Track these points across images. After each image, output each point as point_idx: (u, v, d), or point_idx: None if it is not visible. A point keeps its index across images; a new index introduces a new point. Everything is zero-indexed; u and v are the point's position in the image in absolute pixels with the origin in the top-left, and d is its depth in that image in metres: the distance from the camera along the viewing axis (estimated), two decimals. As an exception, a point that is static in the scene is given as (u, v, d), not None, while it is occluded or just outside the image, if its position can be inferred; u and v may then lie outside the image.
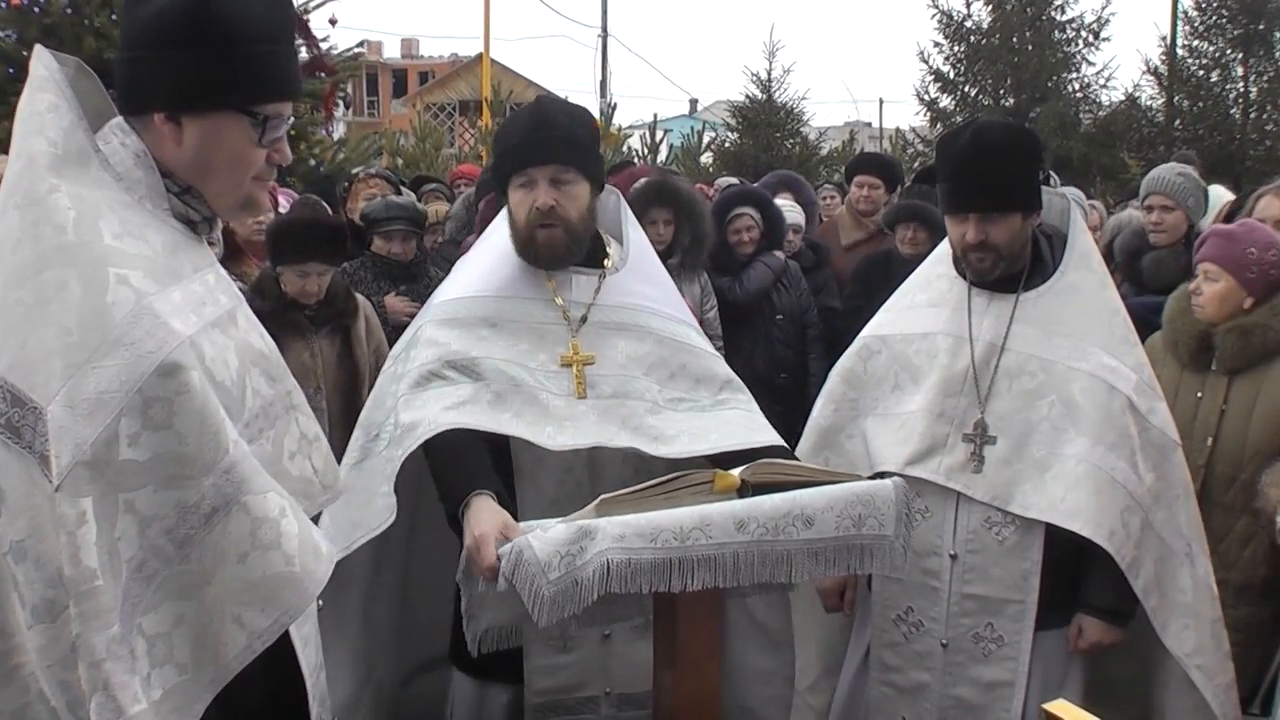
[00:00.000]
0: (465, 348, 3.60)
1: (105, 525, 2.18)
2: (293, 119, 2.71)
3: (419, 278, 6.92)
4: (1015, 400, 3.75)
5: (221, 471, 2.31)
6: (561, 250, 3.68)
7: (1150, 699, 4.01)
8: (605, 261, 3.83)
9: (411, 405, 3.54)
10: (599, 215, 3.88)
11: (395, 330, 6.30)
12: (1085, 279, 3.86)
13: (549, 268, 3.73)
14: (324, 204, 8.62)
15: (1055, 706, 2.12)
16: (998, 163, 3.69)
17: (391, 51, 65.69)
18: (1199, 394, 4.65)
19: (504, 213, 3.84)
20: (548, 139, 3.61)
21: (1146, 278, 6.50)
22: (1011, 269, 3.81)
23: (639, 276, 3.90)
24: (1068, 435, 3.67)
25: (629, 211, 4.07)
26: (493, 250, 3.86)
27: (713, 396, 3.78)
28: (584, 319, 3.71)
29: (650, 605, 3.37)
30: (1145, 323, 4.92)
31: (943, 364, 3.85)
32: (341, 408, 5.80)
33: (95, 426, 2.17)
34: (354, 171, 9.19)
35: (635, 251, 3.94)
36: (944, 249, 4.04)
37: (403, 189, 9.19)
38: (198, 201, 2.54)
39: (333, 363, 5.90)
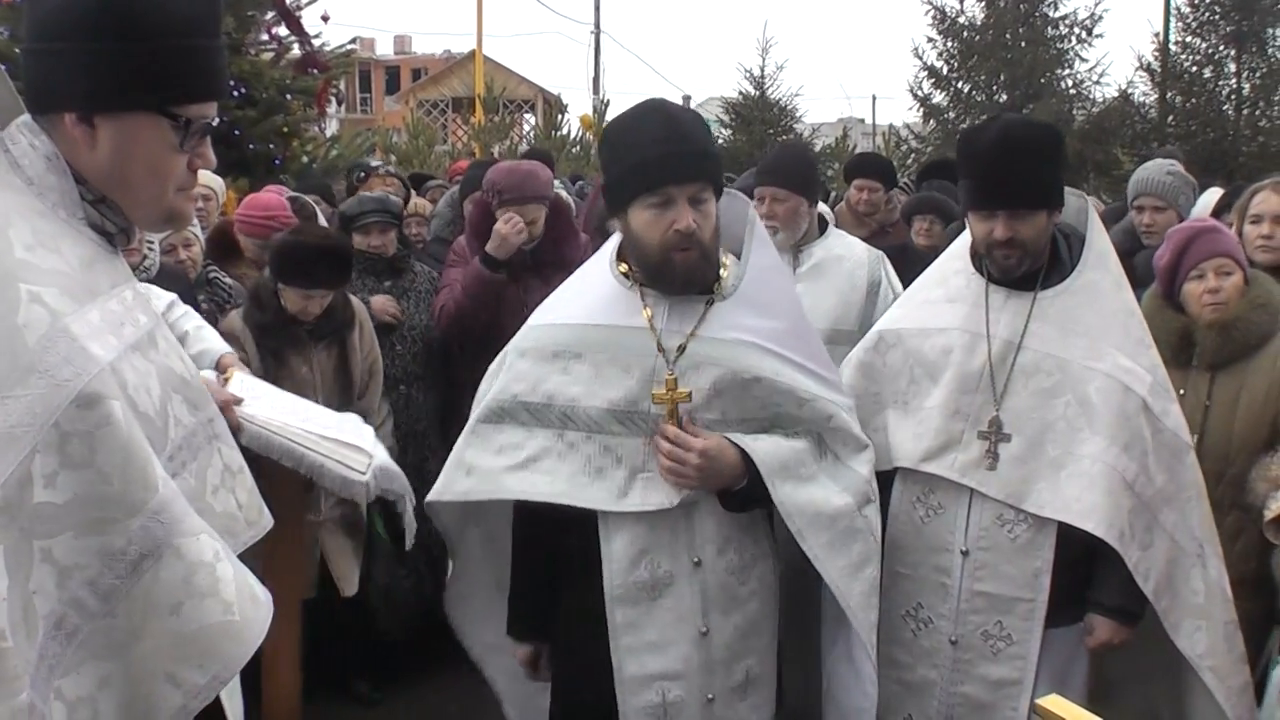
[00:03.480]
0: (543, 384, 3.46)
1: (19, 577, 1.92)
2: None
3: (403, 272, 6.84)
4: (1031, 399, 3.74)
5: (150, 513, 2.07)
6: (698, 275, 3.41)
7: (1160, 702, 4.02)
8: (715, 285, 3.51)
9: (474, 443, 3.58)
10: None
11: (380, 330, 6.37)
12: (1102, 279, 3.87)
13: (680, 293, 3.45)
14: (323, 201, 8.64)
15: (1048, 701, 2.12)
16: (1027, 161, 3.69)
17: (385, 48, 65.60)
18: (1181, 391, 4.63)
19: (613, 234, 3.64)
20: (688, 154, 3.33)
21: (1140, 275, 6.48)
22: (1033, 266, 3.82)
23: (753, 306, 3.51)
24: (1083, 435, 3.67)
25: (758, 225, 3.70)
26: (592, 271, 3.69)
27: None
28: (681, 349, 3.41)
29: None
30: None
31: (958, 360, 3.83)
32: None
33: (6, 465, 1.91)
34: (374, 165, 9.16)
35: (753, 275, 3.53)
36: (961, 245, 4.04)
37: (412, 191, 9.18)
38: (113, 211, 2.28)
39: (330, 374, 5.87)
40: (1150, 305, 4.86)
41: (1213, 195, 6.99)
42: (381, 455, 4.33)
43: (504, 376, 3.56)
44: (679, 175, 3.30)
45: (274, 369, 5.60)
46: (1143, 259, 6.54)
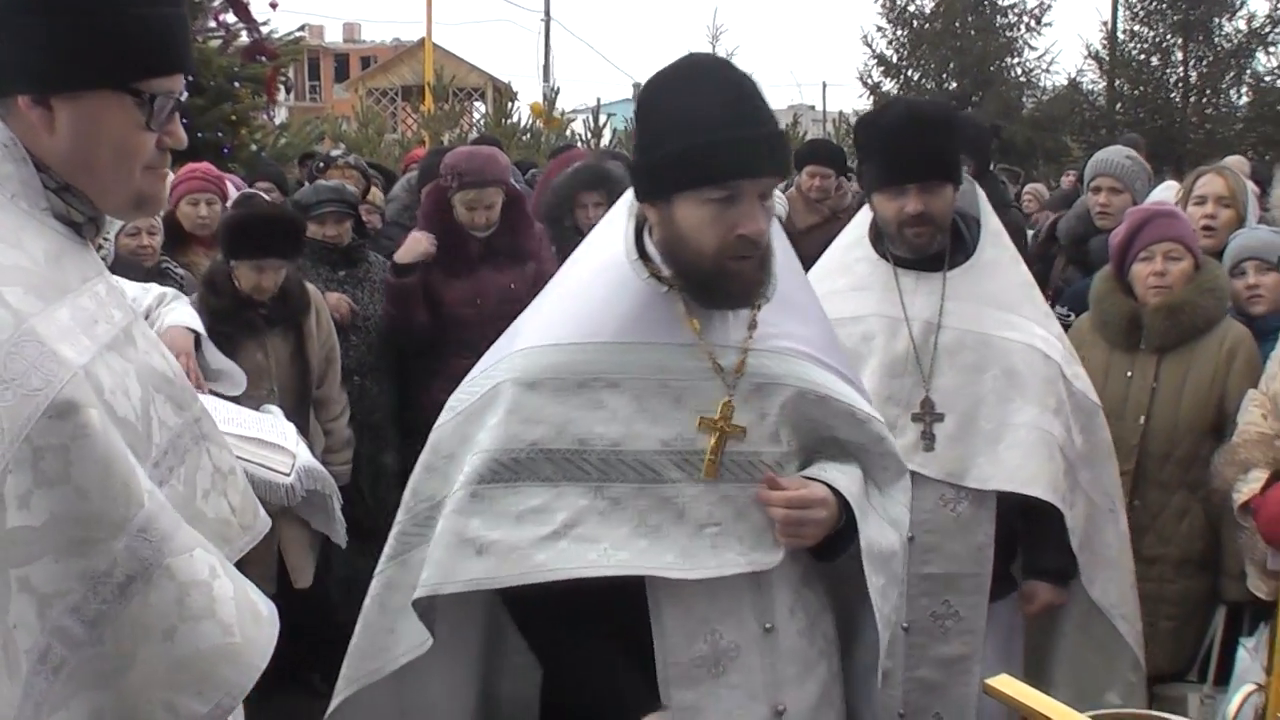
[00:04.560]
0: (571, 424, 2.67)
1: None
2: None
3: (358, 262, 6.77)
4: (958, 376, 3.76)
5: (136, 530, 1.87)
6: (755, 288, 2.73)
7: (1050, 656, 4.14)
8: None
9: (479, 510, 2.66)
10: None
11: (335, 322, 6.27)
12: (1001, 255, 3.90)
13: (730, 308, 2.77)
14: (276, 190, 8.59)
15: (998, 682, 2.13)
16: (934, 135, 3.71)
17: (333, 36, 65.16)
18: (1129, 373, 4.70)
19: (614, 220, 2.92)
20: (765, 140, 2.64)
21: (1094, 259, 6.54)
22: (940, 245, 3.82)
23: (792, 309, 2.91)
24: (1015, 405, 3.71)
25: (776, 207, 3.18)
26: (605, 271, 2.82)
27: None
28: (740, 370, 2.76)
29: None
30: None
31: (882, 346, 3.81)
32: (292, 405, 5.66)
33: None
34: (334, 155, 9.11)
35: (783, 274, 2.88)
36: (856, 233, 4.03)
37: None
38: (79, 200, 2.05)
39: (285, 361, 5.79)
40: (1101, 287, 4.92)
41: (1169, 190, 7.04)
42: (304, 454, 4.19)
43: (505, 417, 2.70)
44: (754, 167, 2.60)
45: (228, 356, 5.54)
46: (1098, 244, 6.60)
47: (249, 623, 2.01)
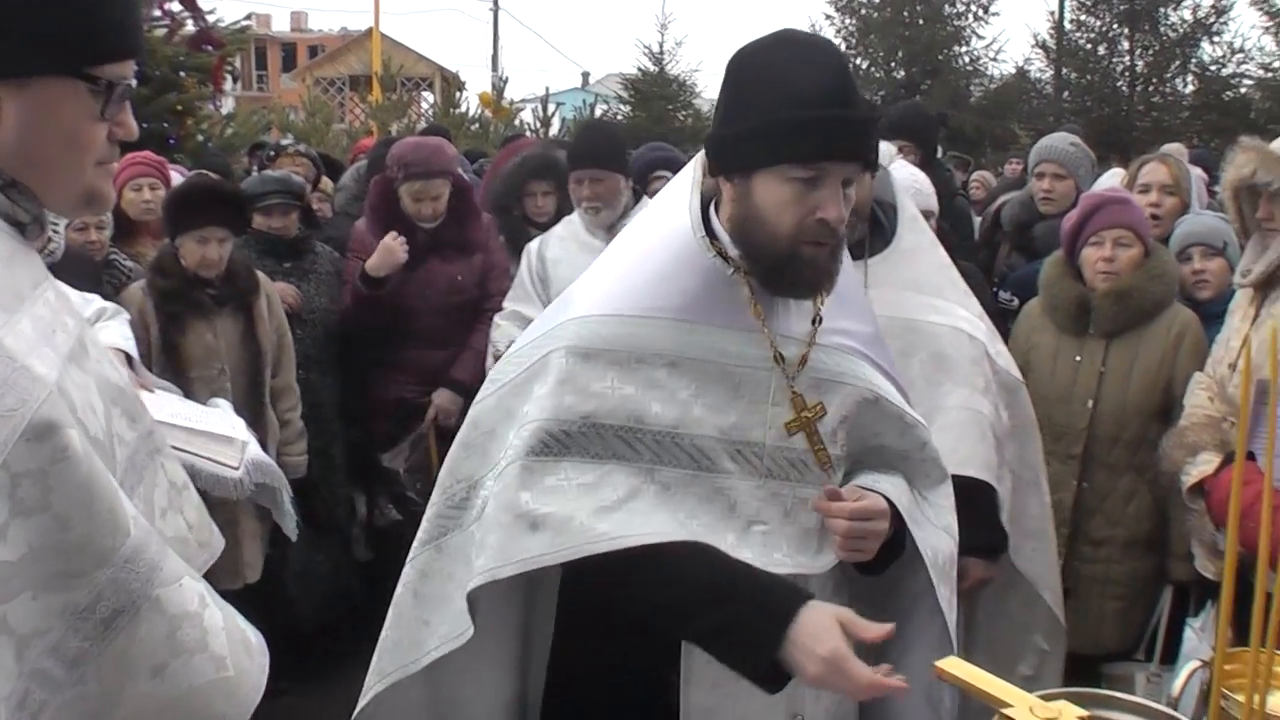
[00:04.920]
0: (627, 401, 2.52)
1: None
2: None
3: (304, 254, 6.70)
4: None
5: (122, 562, 1.71)
6: (826, 278, 2.58)
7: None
8: None
9: (531, 484, 2.48)
10: None
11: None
12: (920, 239, 3.92)
13: (799, 296, 2.64)
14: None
15: (947, 663, 2.14)
16: None
17: (280, 25, 64.70)
18: (1078, 358, 4.74)
19: (677, 191, 2.74)
20: (857, 124, 2.50)
21: (1040, 246, 6.57)
22: (860, 233, 3.81)
23: (849, 305, 2.80)
24: (944, 388, 3.73)
25: None
26: (669, 243, 2.65)
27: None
28: (802, 364, 2.64)
29: None
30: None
31: None
32: (245, 389, 5.67)
33: None
34: (284, 144, 9.04)
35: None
36: None
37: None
38: (25, 198, 1.85)
39: (236, 343, 5.73)
40: (1051, 272, 4.96)
41: (1115, 177, 7.10)
42: (254, 447, 4.14)
43: (556, 387, 2.54)
44: (843, 150, 2.47)
45: (176, 338, 5.52)
46: (1042, 229, 6.64)
47: (241, 654, 1.89)
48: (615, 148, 6.12)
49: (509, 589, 2.62)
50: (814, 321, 2.66)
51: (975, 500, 3.76)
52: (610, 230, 5.82)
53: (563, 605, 2.74)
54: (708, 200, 2.67)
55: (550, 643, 2.80)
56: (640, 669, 2.62)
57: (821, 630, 2.23)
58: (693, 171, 2.71)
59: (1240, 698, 1.88)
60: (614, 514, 2.42)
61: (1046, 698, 2.06)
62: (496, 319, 6.12)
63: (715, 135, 2.60)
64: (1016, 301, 5.92)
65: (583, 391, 2.51)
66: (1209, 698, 1.82)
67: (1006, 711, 2.03)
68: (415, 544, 2.75)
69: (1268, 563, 1.71)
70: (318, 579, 6.30)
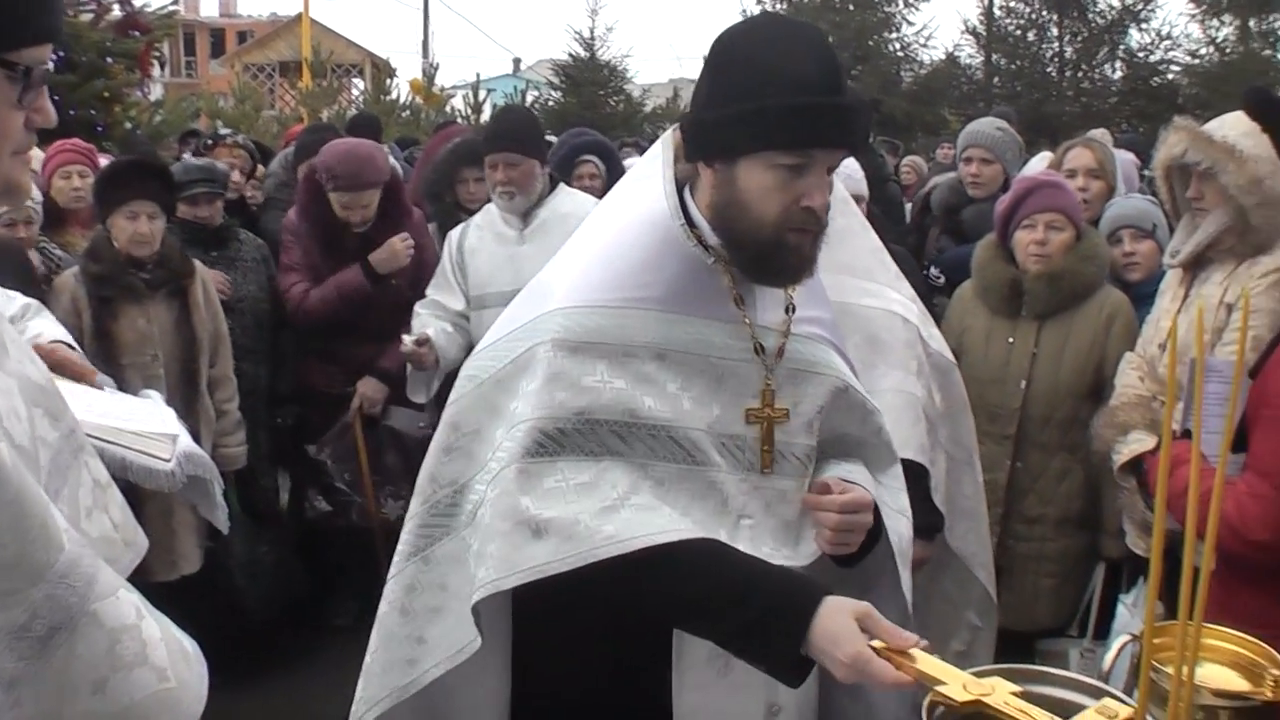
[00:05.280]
0: (621, 395, 2.44)
1: None
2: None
3: (228, 241, 6.66)
4: None
5: (57, 577, 1.61)
6: (808, 265, 2.54)
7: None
8: None
9: (530, 488, 2.37)
10: None
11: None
12: (850, 222, 3.88)
13: (779, 285, 2.62)
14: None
15: (879, 644, 2.15)
16: None
17: (209, 9, 64.11)
18: (1010, 339, 4.79)
19: (648, 176, 2.66)
20: (845, 110, 2.43)
21: (968, 230, 6.64)
22: None
23: (814, 293, 2.80)
24: (879, 370, 3.72)
25: None
26: (648, 230, 2.55)
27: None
28: (779, 354, 2.62)
29: None
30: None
31: None
32: (179, 376, 5.63)
33: None
34: (223, 134, 8.96)
35: None
36: None
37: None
38: None
39: (169, 329, 5.68)
40: (983, 254, 5.02)
41: (1043, 160, 7.17)
42: (185, 439, 4.09)
43: (546, 383, 2.44)
44: (833, 137, 2.42)
45: (109, 324, 5.48)
46: (970, 213, 6.71)
47: (181, 664, 1.79)
48: (531, 132, 6.03)
49: (501, 597, 2.48)
50: (788, 310, 2.64)
51: (911, 482, 3.80)
52: (525, 217, 5.80)
53: (552, 609, 2.55)
54: (681, 185, 2.60)
55: (538, 646, 2.69)
56: (629, 671, 2.56)
57: (839, 633, 2.17)
58: (663, 154, 2.64)
59: (1169, 670, 1.91)
60: (617, 514, 2.33)
61: (981, 674, 2.08)
62: (416, 307, 6.06)
63: (697, 119, 2.51)
64: (944, 279, 5.98)
65: (574, 386, 2.42)
66: (1139, 671, 1.84)
67: (940, 689, 2.05)
68: (397, 558, 2.62)
69: (1195, 538, 1.73)
70: (263, 570, 6.25)
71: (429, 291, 6.09)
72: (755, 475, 2.55)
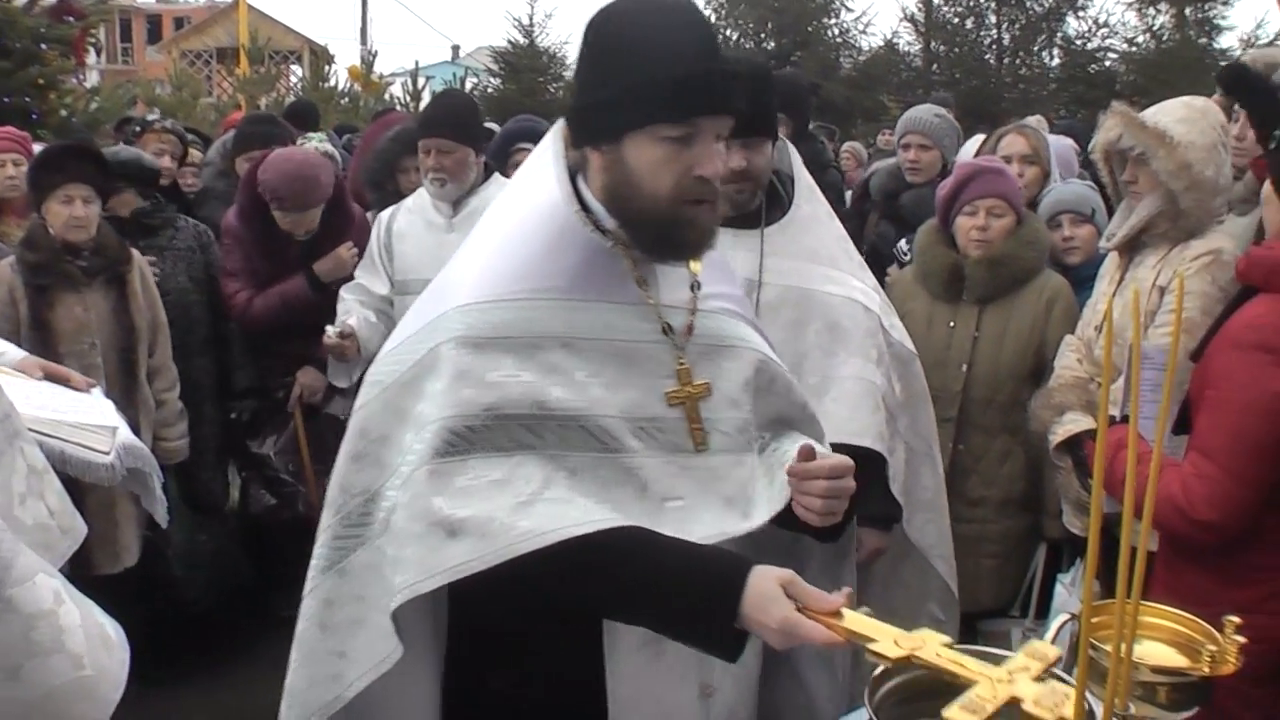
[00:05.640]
0: (530, 388, 2.40)
1: None
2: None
3: (158, 230, 6.56)
4: (782, 332, 3.66)
5: None
6: (709, 237, 2.52)
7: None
8: None
9: (443, 489, 2.33)
10: None
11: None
12: (817, 210, 3.92)
13: (681, 259, 2.58)
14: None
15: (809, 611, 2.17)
16: (754, 91, 3.58)
17: (145, -4, 63.52)
18: (951, 323, 4.83)
19: (539, 167, 2.65)
20: (725, 75, 2.43)
21: (907, 214, 6.68)
22: (757, 202, 3.81)
23: (718, 269, 2.80)
24: (839, 358, 3.73)
25: None
26: (544, 220, 2.54)
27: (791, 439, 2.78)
28: (689, 332, 2.60)
29: None
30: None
31: None
32: (117, 365, 5.59)
33: None
34: (150, 119, 8.84)
35: None
36: None
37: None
38: None
39: (107, 317, 5.64)
40: (924, 239, 5.05)
41: (975, 143, 7.22)
42: (125, 431, 4.05)
43: (452, 382, 2.40)
44: (715, 104, 2.41)
45: (46, 313, 5.44)
46: (909, 198, 6.75)
47: (100, 651, 1.75)
48: (469, 119, 5.95)
49: (421, 601, 2.42)
50: (692, 288, 2.63)
51: (866, 470, 3.79)
52: (456, 205, 5.76)
53: (483, 605, 2.57)
54: (573, 173, 2.58)
55: (473, 642, 2.67)
56: (562, 665, 2.55)
57: (768, 601, 2.16)
58: (553, 144, 2.63)
59: (1108, 647, 1.93)
60: (533, 508, 2.29)
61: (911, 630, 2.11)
62: (342, 292, 6.00)
63: (578, 104, 2.52)
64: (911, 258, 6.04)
65: (480, 383, 2.38)
66: (1078, 649, 1.86)
67: (872, 646, 2.07)
68: (312, 572, 2.58)
69: (1133, 517, 1.75)
70: (202, 560, 6.21)
71: (356, 273, 6.04)
72: (684, 455, 2.52)
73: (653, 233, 2.46)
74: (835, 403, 3.69)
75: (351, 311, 5.79)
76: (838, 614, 2.15)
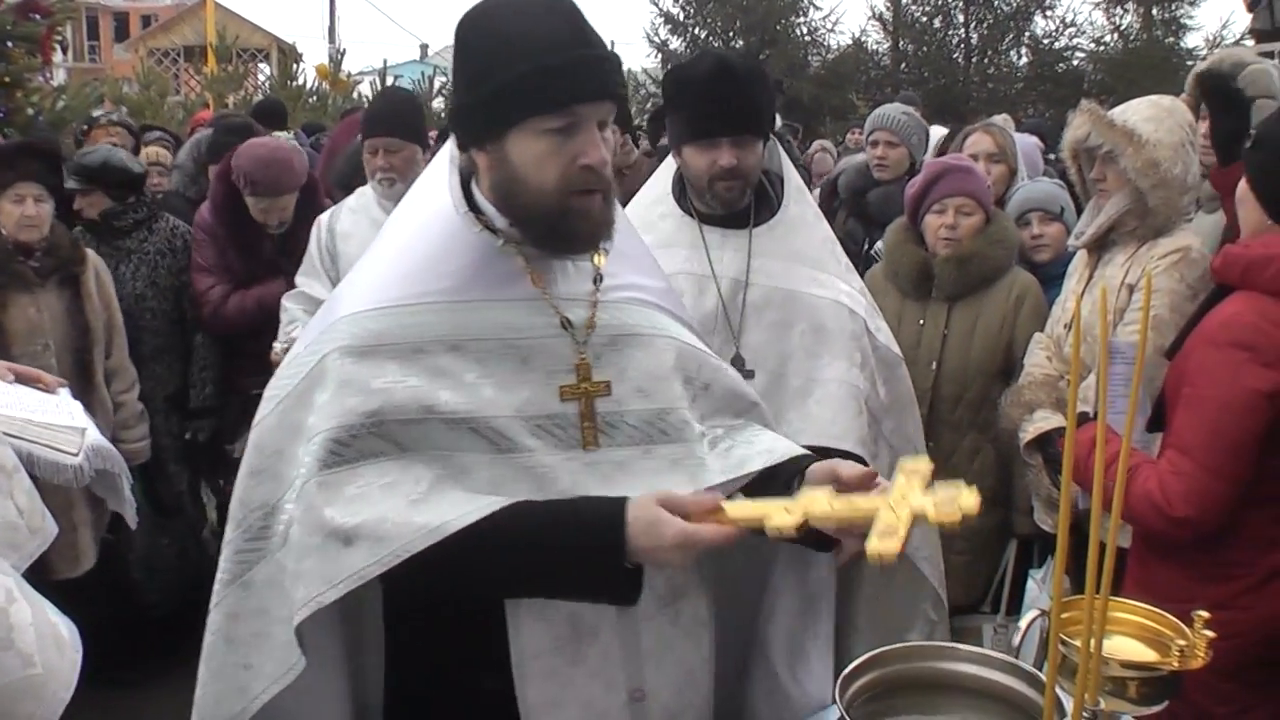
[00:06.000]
0: (416, 393, 2.38)
1: None
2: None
3: (127, 233, 6.44)
4: (766, 333, 3.73)
5: None
6: (602, 228, 2.48)
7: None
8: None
9: (334, 499, 2.31)
10: None
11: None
12: (805, 211, 3.90)
13: (575, 253, 2.54)
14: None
15: (730, 506, 2.22)
16: (747, 89, 3.65)
17: (112, -7, 63.22)
18: (921, 321, 4.84)
19: (434, 174, 2.64)
20: (600, 61, 2.41)
21: (875, 212, 6.70)
22: (747, 200, 3.79)
23: (631, 261, 2.74)
24: (822, 360, 3.71)
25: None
26: (431, 225, 2.54)
27: (743, 427, 2.79)
28: (591, 325, 2.54)
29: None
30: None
31: (691, 304, 3.65)
32: (72, 366, 5.52)
33: None
34: (95, 115, 8.79)
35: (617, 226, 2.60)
36: (658, 188, 3.96)
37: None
38: None
39: (61, 317, 5.59)
40: (894, 237, 5.07)
41: (937, 132, 7.25)
42: (93, 432, 4.01)
43: (337, 392, 2.39)
44: (594, 89, 2.37)
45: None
46: (876, 195, 6.77)
47: (51, 649, 1.76)
48: (412, 116, 5.92)
49: (329, 612, 2.39)
50: (595, 280, 2.58)
51: None
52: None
53: (391, 615, 2.59)
54: (467, 177, 2.55)
55: (385, 656, 2.65)
56: (471, 668, 2.50)
57: (654, 526, 2.20)
58: (449, 151, 2.60)
59: (1078, 643, 1.94)
60: (425, 505, 2.29)
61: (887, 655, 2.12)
62: (284, 301, 5.84)
63: (456, 108, 2.49)
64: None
65: (365, 390, 2.36)
66: (1049, 645, 1.87)
67: (768, 523, 2.12)
68: (217, 586, 2.54)
69: (1103, 512, 1.76)
70: (164, 564, 6.18)
71: (298, 280, 5.91)
72: (590, 450, 2.47)
73: (542, 227, 2.42)
74: (819, 405, 3.69)
75: (297, 321, 5.65)
76: (719, 510, 2.19)
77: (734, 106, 3.63)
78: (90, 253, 5.85)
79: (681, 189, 3.86)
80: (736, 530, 2.16)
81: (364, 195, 5.88)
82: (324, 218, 5.90)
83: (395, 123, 5.70)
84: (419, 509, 2.27)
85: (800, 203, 3.88)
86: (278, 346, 5.46)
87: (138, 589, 6.06)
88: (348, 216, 5.83)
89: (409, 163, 5.64)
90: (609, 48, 2.43)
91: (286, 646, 2.39)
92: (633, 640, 2.51)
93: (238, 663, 2.49)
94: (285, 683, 2.42)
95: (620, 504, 2.26)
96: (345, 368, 2.38)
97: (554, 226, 2.41)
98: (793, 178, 3.91)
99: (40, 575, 1.80)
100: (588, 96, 2.34)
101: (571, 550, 2.28)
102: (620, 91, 2.52)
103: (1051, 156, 7.38)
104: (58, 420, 3.79)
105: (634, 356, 2.57)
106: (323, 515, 2.29)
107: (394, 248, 2.58)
